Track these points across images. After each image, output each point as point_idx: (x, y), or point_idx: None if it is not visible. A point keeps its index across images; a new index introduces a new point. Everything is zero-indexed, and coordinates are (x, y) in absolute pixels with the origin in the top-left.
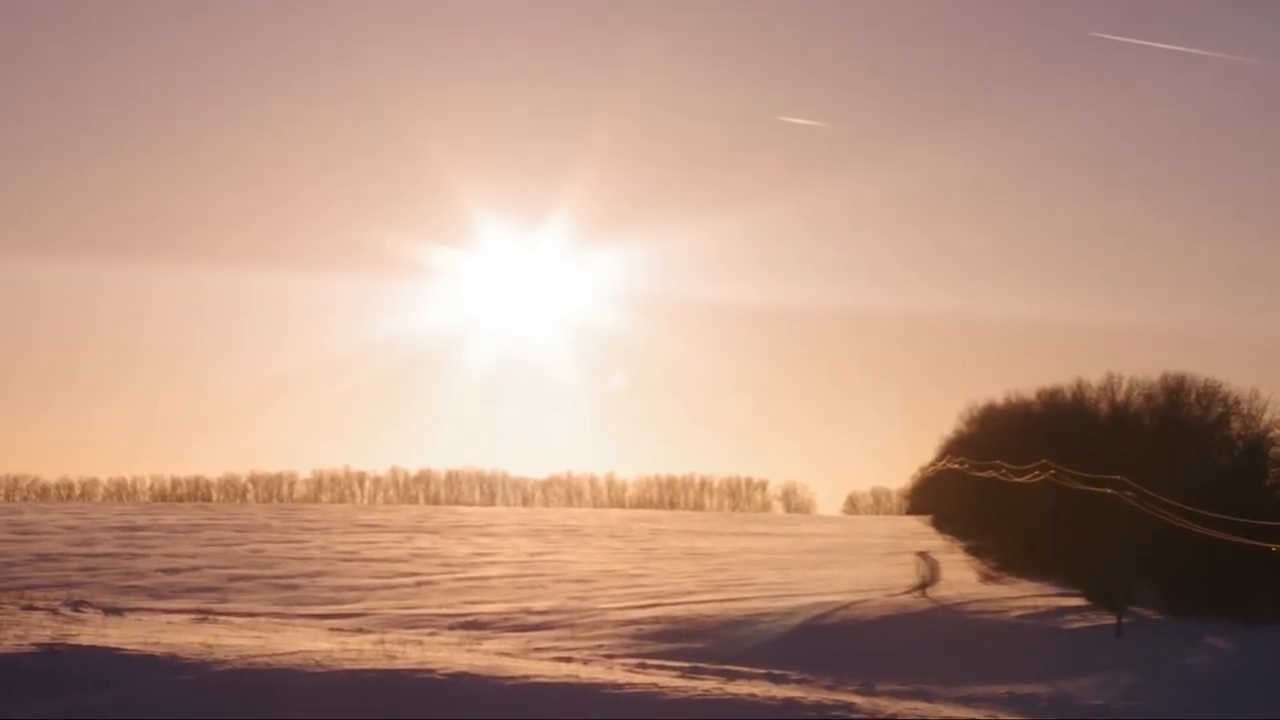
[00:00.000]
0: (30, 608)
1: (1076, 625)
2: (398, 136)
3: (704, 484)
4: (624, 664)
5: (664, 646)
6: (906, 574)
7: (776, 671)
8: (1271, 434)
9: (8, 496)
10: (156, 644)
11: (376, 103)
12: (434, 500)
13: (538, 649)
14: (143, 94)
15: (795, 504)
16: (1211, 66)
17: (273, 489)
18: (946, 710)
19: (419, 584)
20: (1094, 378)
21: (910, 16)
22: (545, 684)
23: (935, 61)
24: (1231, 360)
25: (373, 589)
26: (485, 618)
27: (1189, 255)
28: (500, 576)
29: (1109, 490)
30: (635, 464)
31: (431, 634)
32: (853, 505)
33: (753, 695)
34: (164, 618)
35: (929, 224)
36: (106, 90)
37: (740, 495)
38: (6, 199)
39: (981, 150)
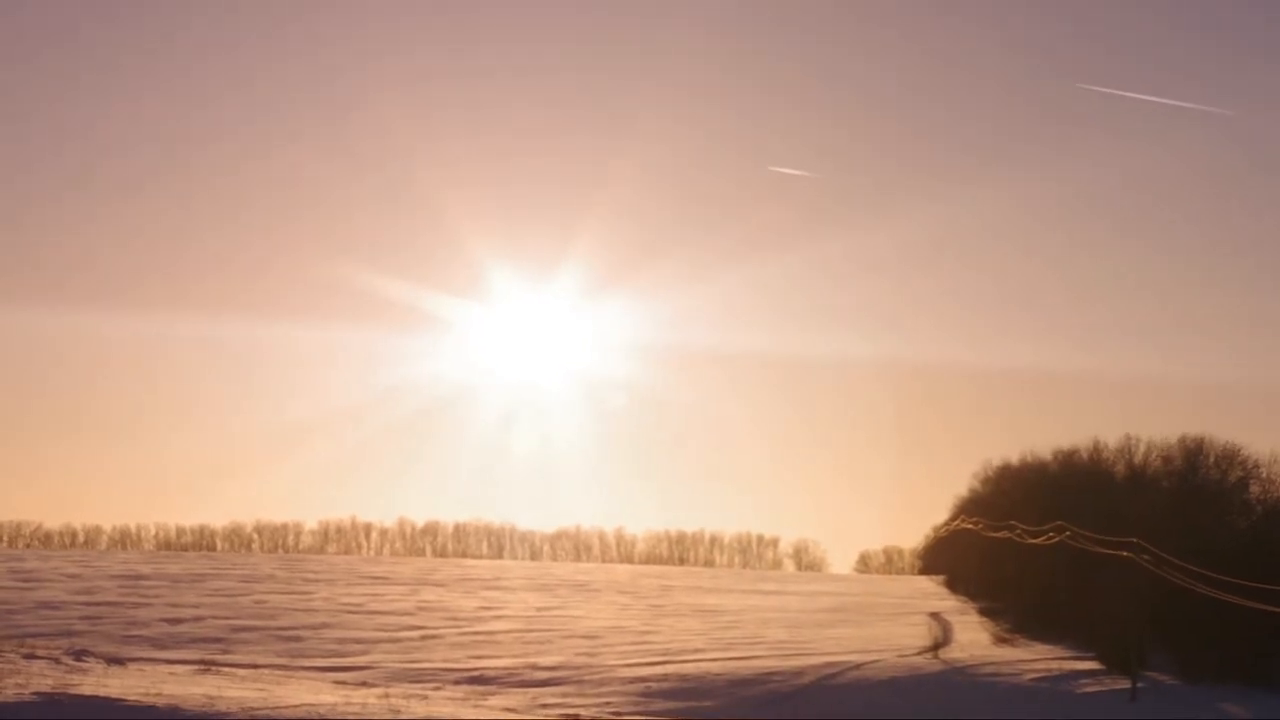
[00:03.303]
0: (32, 656)
1: (1090, 689)
2: (411, 189)
3: (714, 540)
4: None
5: (672, 705)
6: (918, 635)
7: None
8: None
9: (10, 543)
10: (158, 695)
11: (389, 156)
12: (441, 552)
13: (544, 705)
14: (154, 143)
15: (806, 562)
16: (1228, 122)
17: (278, 539)
18: None
19: (424, 637)
20: (1111, 433)
21: (914, 71)
22: None
23: (944, 113)
24: (1251, 415)
25: (377, 642)
26: (491, 673)
27: (1205, 307)
28: (507, 631)
29: (1125, 553)
30: (645, 519)
31: (437, 689)
32: (865, 564)
33: None
34: (166, 668)
35: (940, 274)
36: (119, 139)
37: (751, 552)
38: (19, 249)
39: (995, 200)
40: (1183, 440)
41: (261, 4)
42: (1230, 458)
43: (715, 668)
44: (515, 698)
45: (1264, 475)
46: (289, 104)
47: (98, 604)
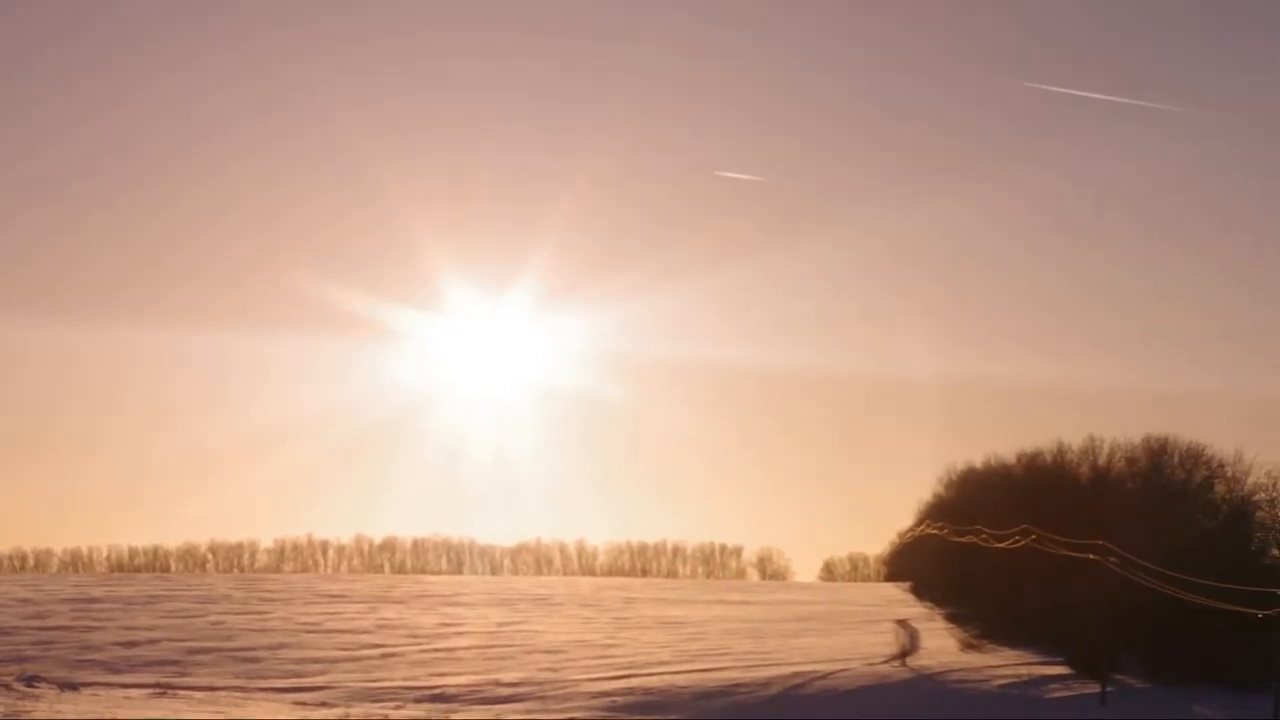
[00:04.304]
0: None
1: (1060, 694)
2: (368, 201)
3: (677, 551)
4: None
5: (637, 718)
6: (885, 643)
7: None
8: (1256, 497)
9: None
10: None
11: (347, 168)
12: (400, 569)
13: None
14: (114, 159)
15: (771, 571)
16: (1188, 123)
17: (233, 558)
18: None
19: (384, 656)
20: (1075, 440)
21: (866, 76)
22: None
23: (902, 121)
24: (1215, 421)
25: (336, 661)
26: (453, 690)
27: (1168, 314)
28: (468, 648)
29: (1091, 556)
30: (606, 530)
31: (397, 708)
32: (829, 572)
33: None
34: (121, 693)
35: (901, 284)
36: (80, 152)
37: (714, 562)
38: None
39: (953, 209)
40: (1147, 441)
41: (222, 20)
42: (1195, 458)
43: (680, 680)
44: (478, 715)
45: (1229, 475)
46: (250, 119)
47: (49, 628)
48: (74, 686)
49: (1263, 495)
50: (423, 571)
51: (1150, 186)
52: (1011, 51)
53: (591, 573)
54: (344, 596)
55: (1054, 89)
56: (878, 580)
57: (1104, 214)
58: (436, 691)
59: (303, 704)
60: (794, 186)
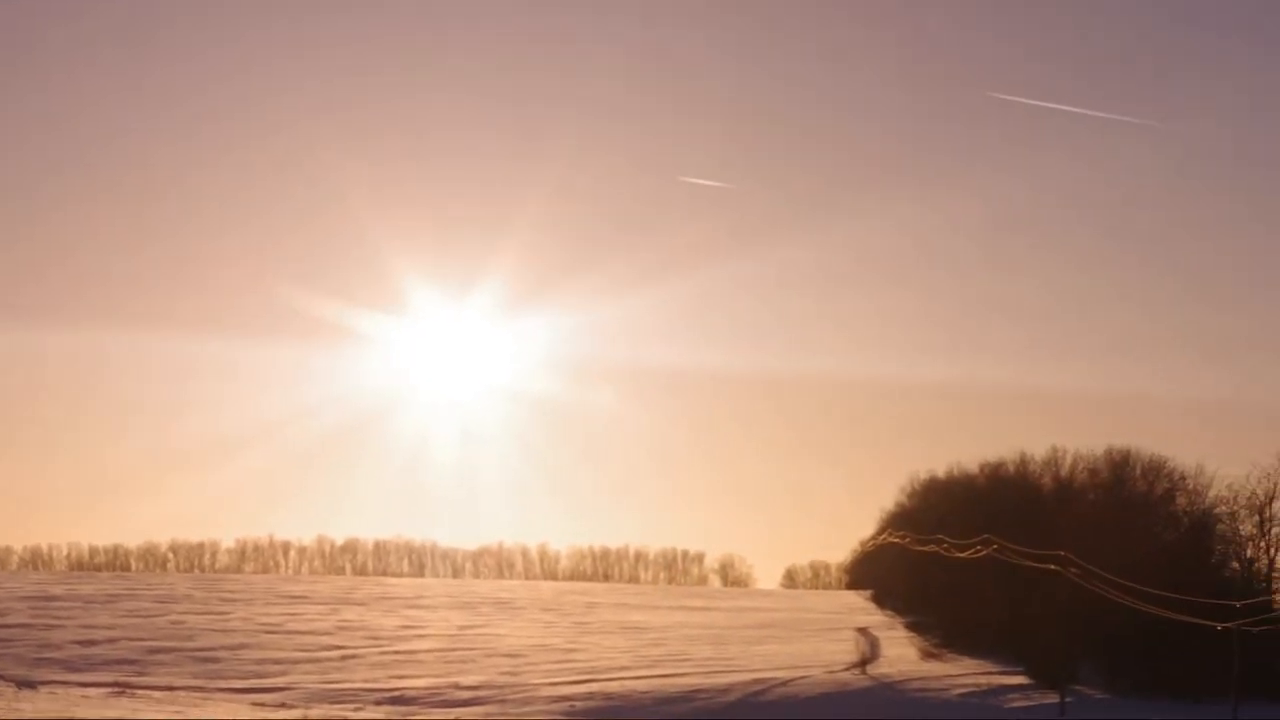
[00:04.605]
0: None
1: (1019, 704)
2: (332, 205)
3: (639, 556)
4: None
5: None
6: (846, 650)
7: None
8: (1217, 510)
9: None
10: (71, 719)
11: (311, 172)
12: (361, 571)
13: None
14: (79, 163)
15: (733, 577)
16: (1150, 133)
17: (194, 558)
18: None
19: (344, 657)
20: (1037, 447)
21: (823, 81)
22: None
23: (866, 129)
24: (1179, 427)
25: (296, 662)
26: (412, 693)
27: (1128, 319)
28: (429, 650)
29: (1052, 566)
30: (568, 535)
31: (357, 709)
32: (791, 579)
33: None
34: (79, 691)
35: (864, 290)
36: (43, 156)
37: (676, 568)
38: None
39: (917, 216)
40: (1109, 452)
41: (185, 27)
42: (1157, 469)
43: (641, 685)
44: (437, 717)
45: (1190, 487)
46: (215, 124)
47: (8, 626)
48: (32, 685)
49: (1223, 508)
50: (384, 574)
51: (1112, 196)
52: (975, 62)
53: (553, 577)
54: (305, 598)
55: (1017, 99)
56: (839, 588)
57: (1066, 222)
58: (396, 693)
59: (262, 705)
60: (758, 192)
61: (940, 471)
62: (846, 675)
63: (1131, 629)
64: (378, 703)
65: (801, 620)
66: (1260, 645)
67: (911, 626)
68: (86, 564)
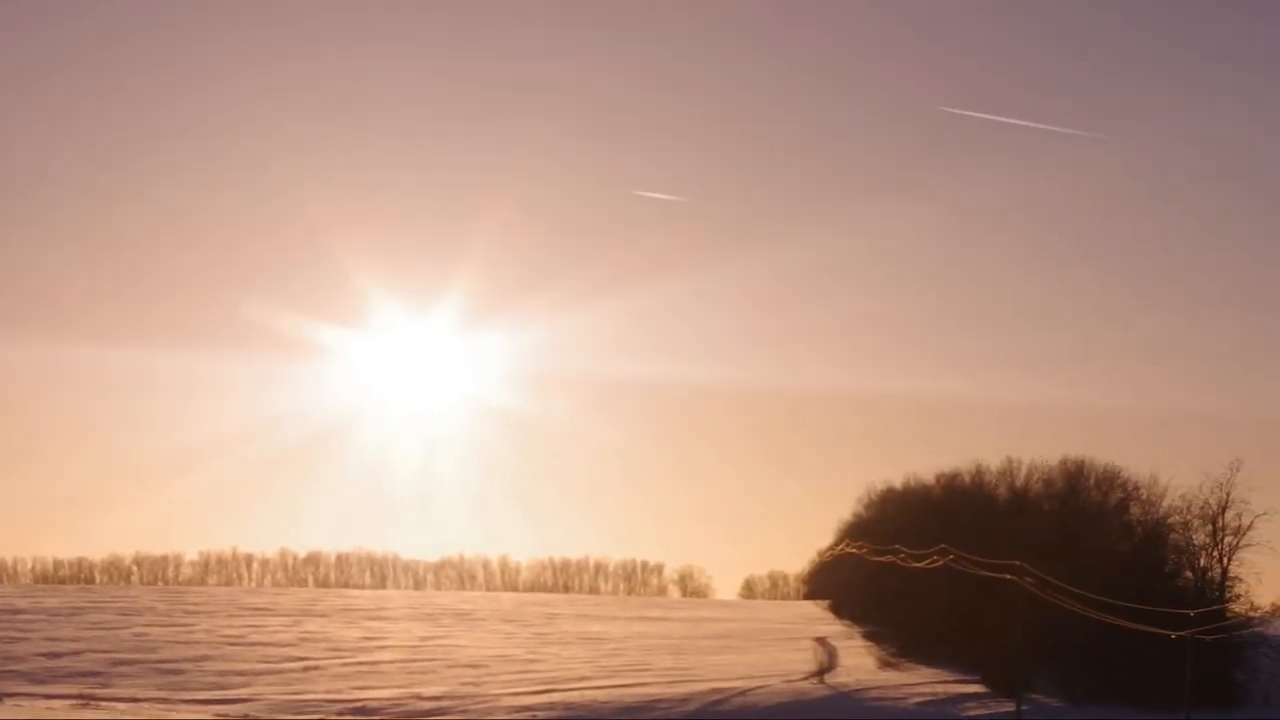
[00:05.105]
0: None
1: (975, 713)
2: (293, 219)
3: (599, 567)
4: None
5: None
6: (804, 660)
7: None
8: (1171, 519)
9: None
10: None
11: (272, 186)
12: (323, 583)
13: None
14: (35, 177)
15: (692, 588)
16: (1103, 147)
17: (158, 571)
18: None
19: (307, 669)
20: (993, 458)
21: (784, 94)
22: None
23: (820, 142)
24: (1134, 437)
25: (259, 674)
26: (374, 704)
27: (1083, 330)
28: (390, 661)
29: (1008, 576)
30: (528, 547)
31: None
32: (750, 589)
33: None
34: (43, 703)
35: (820, 302)
36: (3, 170)
37: (636, 579)
38: None
39: (872, 228)
40: (1064, 463)
41: (146, 39)
42: (1110, 480)
43: (601, 695)
44: None
45: (1144, 497)
46: (177, 137)
47: None
48: None
49: (1177, 518)
50: (346, 586)
51: (1065, 209)
52: (928, 76)
53: (514, 588)
54: (268, 610)
55: (969, 113)
56: (797, 598)
57: (1021, 234)
58: (358, 704)
59: (225, 716)
60: (713, 205)
61: (897, 482)
62: (805, 684)
63: (1086, 637)
64: (340, 714)
65: (760, 630)
66: (1213, 653)
67: (869, 636)
68: (51, 577)
